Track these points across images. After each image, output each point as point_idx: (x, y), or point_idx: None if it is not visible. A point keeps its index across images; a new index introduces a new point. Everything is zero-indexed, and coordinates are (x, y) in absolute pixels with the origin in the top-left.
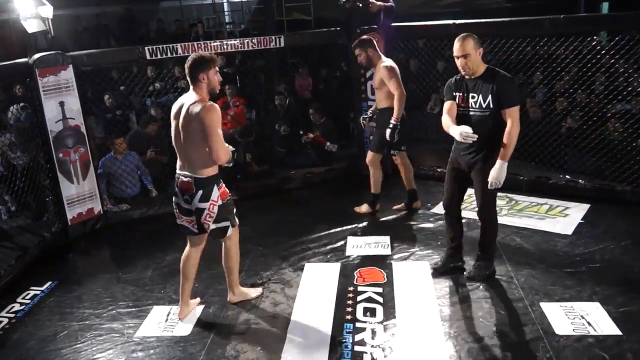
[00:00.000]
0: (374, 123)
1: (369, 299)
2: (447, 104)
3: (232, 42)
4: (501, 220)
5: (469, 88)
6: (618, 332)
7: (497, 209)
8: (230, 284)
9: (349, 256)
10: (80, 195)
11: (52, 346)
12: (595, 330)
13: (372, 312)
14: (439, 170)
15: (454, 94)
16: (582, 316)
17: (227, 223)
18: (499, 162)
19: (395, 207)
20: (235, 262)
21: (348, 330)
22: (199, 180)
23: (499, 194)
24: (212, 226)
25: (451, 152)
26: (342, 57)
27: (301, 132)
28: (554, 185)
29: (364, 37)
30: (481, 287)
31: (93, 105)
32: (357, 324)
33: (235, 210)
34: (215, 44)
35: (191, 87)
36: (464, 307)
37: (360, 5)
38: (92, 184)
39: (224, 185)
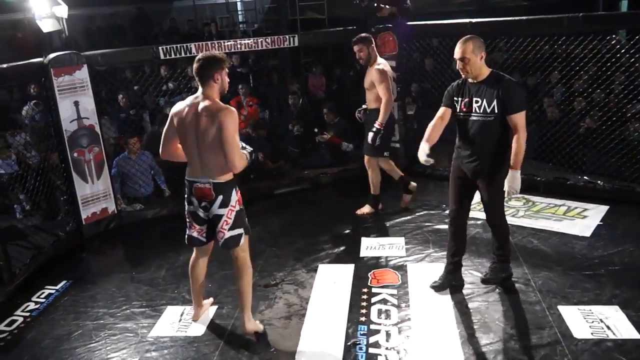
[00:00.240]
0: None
1: (384, 301)
2: (441, 111)
3: (246, 41)
4: (518, 221)
5: (472, 92)
6: (638, 336)
7: (514, 210)
8: (244, 309)
9: (363, 257)
10: (94, 194)
11: (67, 345)
12: (614, 334)
13: (386, 314)
14: None
15: (454, 99)
16: (600, 320)
17: (241, 230)
18: (511, 171)
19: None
20: (249, 279)
21: (362, 332)
22: (219, 185)
23: (516, 195)
24: (227, 234)
25: (453, 160)
26: (356, 57)
27: (316, 130)
28: (572, 187)
29: (364, 34)
30: (497, 289)
31: (107, 105)
32: (372, 326)
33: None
34: (228, 43)
35: (201, 87)
36: (480, 309)
37: (376, 5)
38: (106, 184)
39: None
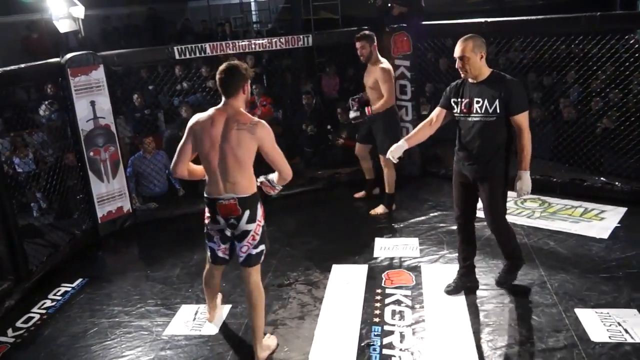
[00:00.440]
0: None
1: (397, 302)
2: (435, 112)
3: (260, 41)
4: (534, 223)
5: (472, 93)
6: None
7: (530, 211)
8: (257, 339)
9: (376, 258)
10: (110, 193)
11: (82, 343)
12: (632, 337)
13: (400, 315)
14: None
15: (453, 100)
16: (618, 323)
17: (264, 247)
18: (521, 172)
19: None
20: (262, 306)
21: (376, 333)
22: (244, 200)
23: (531, 196)
24: (252, 251)
25: (454, 164)
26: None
27: (329, 128)
28: (589, 188)
29: (368, 32)
30: (513, 291)
31: (123, 105)
32: (386, 327)
33: None
34: (243, 43)
35: (225, 99)
36: (495, 311)
37: (390, 5)
38: (121, 183)
39: None
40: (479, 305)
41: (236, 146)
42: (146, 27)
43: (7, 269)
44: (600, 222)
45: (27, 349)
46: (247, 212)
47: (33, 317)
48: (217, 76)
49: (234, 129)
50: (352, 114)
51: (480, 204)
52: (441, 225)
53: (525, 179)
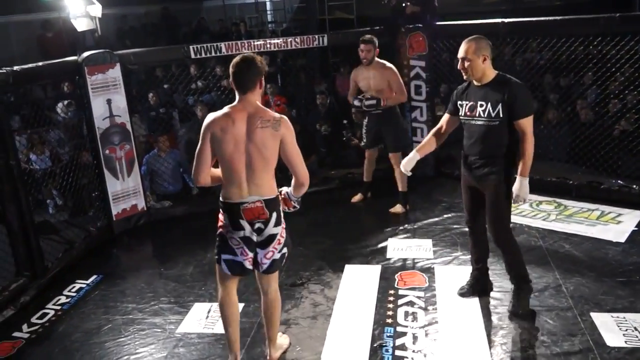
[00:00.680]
0: (373, 101)
1: (410, 303)
2: (443, 119)
3: (276, 40)
4: (549, 225)
5: (476, 96)
6: None
7: (545, 214)
8: (271, 338)
9: (389, 259)
10: (124, 191)
11: (96, 339)
12: None
13: (413, 317)
14: None
15: (459, 103)
16: (635, 328)
17: (287, 249)
18: (519, 178)
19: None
20: (280, 310)
21: (389, 334)
22: (270, 201)
23: (547, 198)
24: (277, 255)
25: (461, 168)
26: (385, 57)
27: (345, 123)
28: (606, 191)
29: (373, 35)
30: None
31: (138, 103)
32: (398, 328)
33: None
34: (258, 42)
35: (241, 94)
36: (509, 314)
37: (404, 4)
38: (136, 181)
39: None
40: (492, 307)
41: (262, 146)
42: (161, 27)
43: (23, 265)
44: (617, 225)
45: (42, 344)
46: (274, 214)
47: (48, 313)
48: (232, 70)
49: (258, 127)
50: (367, 102)
51: None
52: (455, 226)
53: (524, 186)
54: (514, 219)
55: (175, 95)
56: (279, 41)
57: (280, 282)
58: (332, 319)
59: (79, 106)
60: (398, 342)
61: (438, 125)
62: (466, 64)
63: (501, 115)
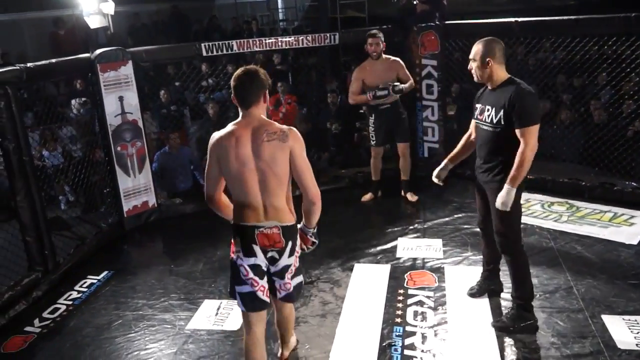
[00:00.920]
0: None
1: (420, 303)
2: (471, 126)
3: (287, 39)
4: (561, 227)
5: (487, 100)
6: None
7: (557, 215)
8: (284, 342)
9: (399, 258)
10: (136, 188)
11: (107, 334)
12: None
13: (422, 316)
14: None
15: (474, 106)
16: None
17: (301, 277)
18: (506, 186)
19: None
20: (294, 321)
21: (398, 333)
22: (287, 229)
23: (559, 199)
24: (293, 285)
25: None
26: (396, 55)
27: (356, 129)
28: (619, 192)
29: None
30: (539, 295)
31: (150, 100)
32: (407, 328)
33: None
34: (270, 40)
35: (244, 109)
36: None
37: (415, 2)
38: (147, 178)
39: None
40: (503, 308)
41: (271, 161)
42: (172, 24)
43: (36, 261)
44: (630, 227)
45: (53, 339)
46: (289, 244)
47: (59, 308)
48: (233, 83)
49: (264, 141)
50: (380, 92)
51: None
52: (465, 226)
53: (508, 196)
54: (525, 219)
55: (186, 93)
56: (290, 39)
57: None
58: (341, 317)
59: (91, 103)
60: (407, 341)
61: (468, 132)
62: (472, 65)
63: (502, 123)
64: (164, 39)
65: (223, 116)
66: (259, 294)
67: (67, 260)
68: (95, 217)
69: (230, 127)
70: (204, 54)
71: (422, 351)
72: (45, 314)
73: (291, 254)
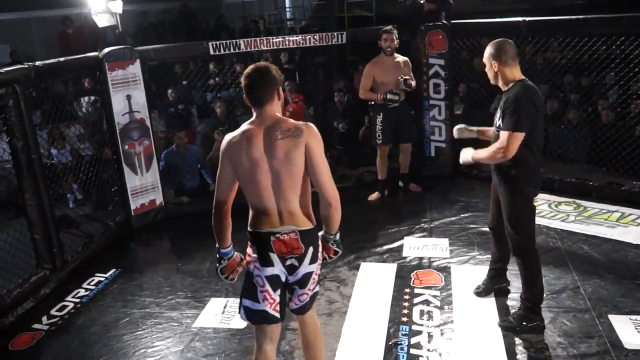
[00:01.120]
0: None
1: (426, 302)
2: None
3: (295, 38)
4: (568, 226)
5: (497, 103)
6: None
7: (564, 215)
8: None
9: (405, 257)
10: (143, 186)
11: (114, 332)
12: None
13: (428, 315)
14: None
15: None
16: None
17: (318, 287)
18: (468, 150)
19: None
20: (322, 341)
21: (404, 332)
22: (306, 234)
23: (566, 199)
24: (309, 296)
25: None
26: (404, 55)
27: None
28: (626, 192)
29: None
30: (546, 295)
31: (157, 99)
32: (414, 327)
33: None
34: (277, 39)
35: (257, 108)
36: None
37: (422, 2)
38: (154, 176)
39: None
40: (509, 307)
41: (286, 159)
42: (180, 23)
43: (44, 258)
44: (638, 227)
45: (61, 336)
46: (310, 250)
47: (67, 306)
48: (244, 82)
49: (277, 139)
50: (390, 96)
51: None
52: (472, 226)
53: (465, 154)
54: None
55: (194, 92)
56: (298, 38)
57: None
58: (348, 316)
59: (99, 102)
60: (413, 340)
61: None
62: (485, 66)
63: (502, 127)
64: (173, 38)
65: (230, 115)
66: (268, 308)
67: (74, 258)
68: (103, 215)
69: (243, 127)
70: (212, 52)
71: (429, 350)
72: (53, 312)
73: (312, 260)
